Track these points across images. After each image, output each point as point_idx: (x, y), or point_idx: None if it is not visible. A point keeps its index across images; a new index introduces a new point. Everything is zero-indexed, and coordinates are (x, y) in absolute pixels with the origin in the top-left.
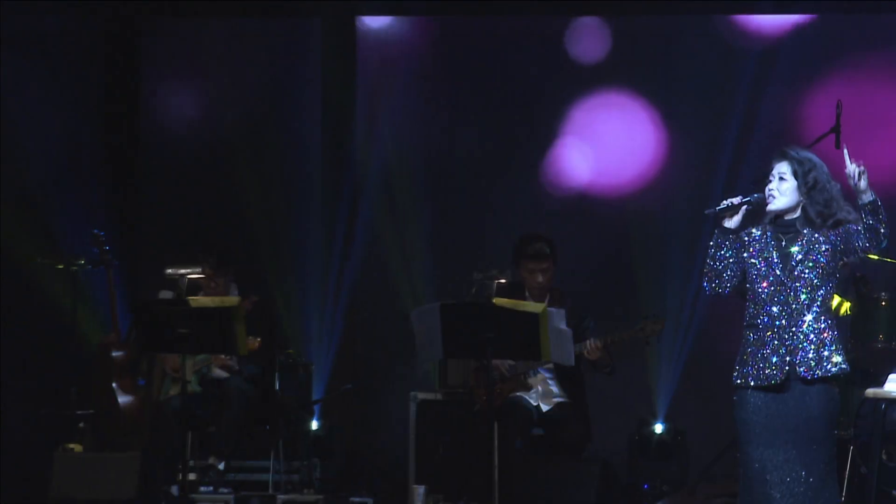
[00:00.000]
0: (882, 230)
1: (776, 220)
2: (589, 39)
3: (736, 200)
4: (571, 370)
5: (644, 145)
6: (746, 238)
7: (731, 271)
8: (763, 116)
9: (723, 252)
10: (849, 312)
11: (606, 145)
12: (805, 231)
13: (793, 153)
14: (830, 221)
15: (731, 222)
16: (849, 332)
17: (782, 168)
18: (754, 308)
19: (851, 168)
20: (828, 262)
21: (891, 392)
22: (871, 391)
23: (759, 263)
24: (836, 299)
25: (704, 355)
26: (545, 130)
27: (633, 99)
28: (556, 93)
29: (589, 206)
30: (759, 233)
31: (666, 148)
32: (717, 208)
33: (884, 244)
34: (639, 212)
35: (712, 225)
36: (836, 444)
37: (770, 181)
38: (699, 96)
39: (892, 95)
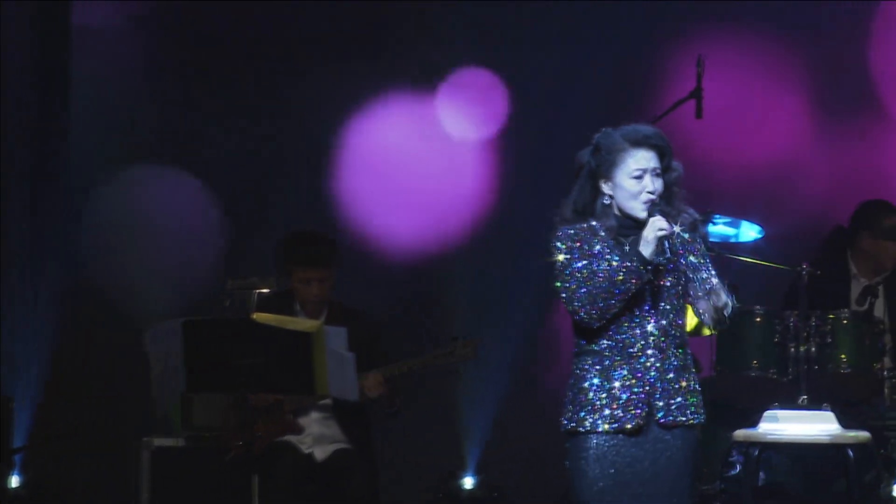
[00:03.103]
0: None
1: (619, 220)
2: None
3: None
4: (355, 407)
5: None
6: (579, 244)
7: None
8: (591, 79)
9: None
10: (713, 331)
11: (404, 122)
12: None
13: (660, 140)
14: (677, 214)
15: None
16: (714, 357)
17: (653, 162)
18: (596, 330)
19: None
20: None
21: (766, 434)
22: (740, 433)
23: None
24: None
25: (527, 390)
26: (328, 104)
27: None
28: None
29: (383, 196)
30: (589, 235)
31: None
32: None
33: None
34: (450, 204)
35: (531, 230)
36: (699, 500)
37: (638, 176)
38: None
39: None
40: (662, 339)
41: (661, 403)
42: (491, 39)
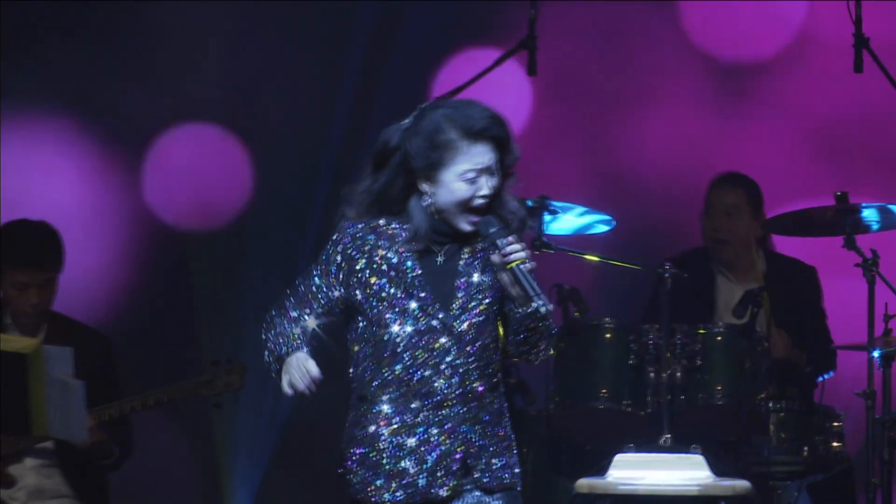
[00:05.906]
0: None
1: (435, 223)
2: None
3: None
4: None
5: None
6: (354, 252)
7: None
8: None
9: None
10: (551, 351)
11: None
12: (474, 240)
13: (500, 129)
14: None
15: None
16: (551, 385)
17: (489, 158)
18: (387, 369)
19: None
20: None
21: (616, 484)
22: (584, 483)
23: (393, 294)
24: None
25: (308, 428)
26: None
27: None
28: None
29: (122, 180)
30: (369, 241)
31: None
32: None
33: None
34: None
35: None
36: None
37: (471, 178)
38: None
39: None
40: (477, 380)
41: (480, 463)
42: None
